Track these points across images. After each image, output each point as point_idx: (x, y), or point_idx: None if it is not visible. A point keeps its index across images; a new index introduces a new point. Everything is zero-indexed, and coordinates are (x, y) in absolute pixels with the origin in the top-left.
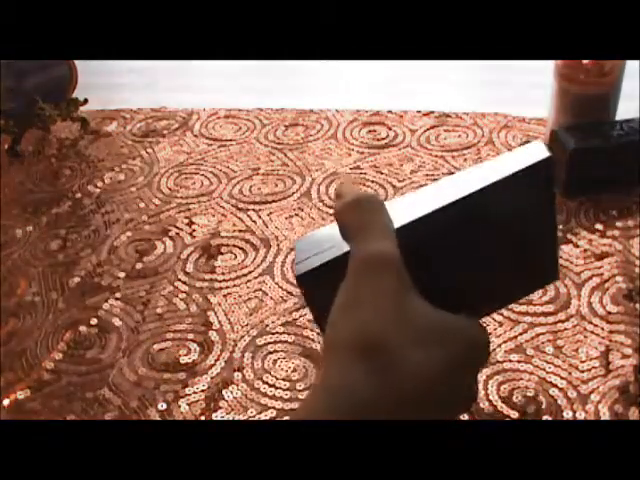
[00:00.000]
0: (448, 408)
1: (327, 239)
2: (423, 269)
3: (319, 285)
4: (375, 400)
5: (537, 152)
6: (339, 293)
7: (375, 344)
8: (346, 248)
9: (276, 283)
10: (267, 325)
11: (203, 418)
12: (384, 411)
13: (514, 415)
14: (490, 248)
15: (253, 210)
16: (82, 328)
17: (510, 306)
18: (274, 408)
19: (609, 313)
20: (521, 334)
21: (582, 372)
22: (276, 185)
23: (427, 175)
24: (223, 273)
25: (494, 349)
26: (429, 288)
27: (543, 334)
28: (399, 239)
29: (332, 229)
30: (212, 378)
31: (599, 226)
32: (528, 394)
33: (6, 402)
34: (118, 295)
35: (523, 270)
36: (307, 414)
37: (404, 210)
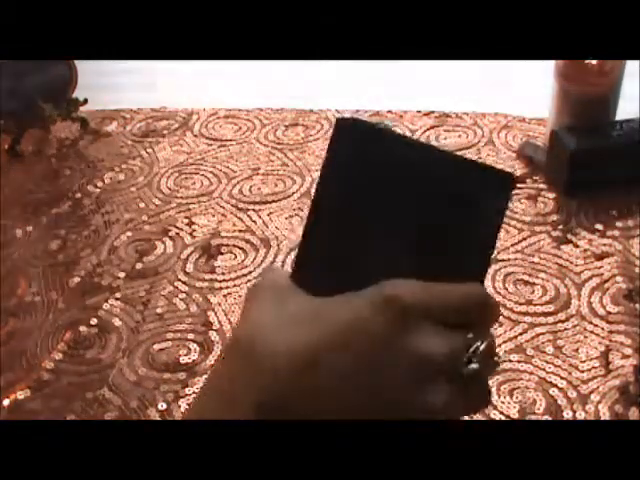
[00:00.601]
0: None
1: None
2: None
3: None
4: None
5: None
6: None
7: (239, 338)
8: None
9: None
10: None
11: None
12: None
13: (514, 415)
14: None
15: (253, 210)
16: (82, 328)
17: (510, 306)
18: None
19: (609, 313)
20: (521, 334)
21: (582, 372)
22: (276, 185)
23: None
24: (223, 273)
25: None
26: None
27: (543, 334)
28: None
29: None
30: None
31: (599, 226)
32: (528, 394)
33: (6, 402)
34: (118, 295)
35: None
36: (197, 415)
37: None
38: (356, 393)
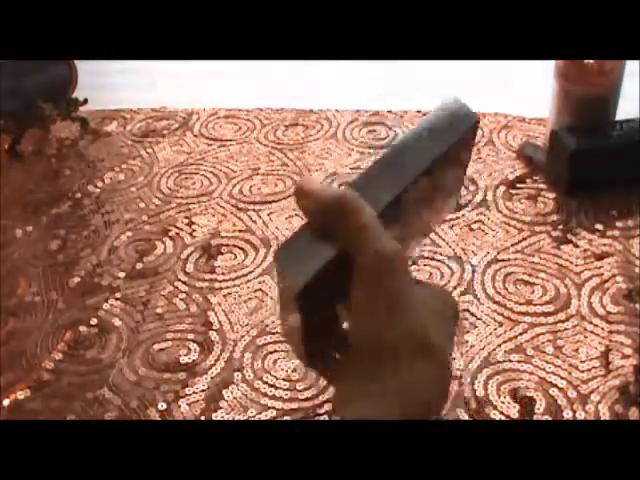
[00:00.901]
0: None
1: (302, 245)
2: None
3: (313, 296)
4: (436, 392)
5: (463, 114)
6: (361, 297)
7: (426, 342)
8: (329, 251)
9: (276, 283)
10: (267, 325)
11: (203, 418)
12: (436, 402)
13: (514, 415)
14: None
15: (253, 210)
16: (82, 328)
17: (510, 306)
18: (274, 408)
19: (609, 313)
20: (521, 334)
21: (582, 372)
22: (276, 185)
23: None
24: (223, 273)
25: (494, 349)
26: None
27: (543, 334)
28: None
29: (302, 234)
30: (212, 378)
31: (599, 226)
32: (528, 394)
33: (6, 402)
34: (118, 295)
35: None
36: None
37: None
38: None
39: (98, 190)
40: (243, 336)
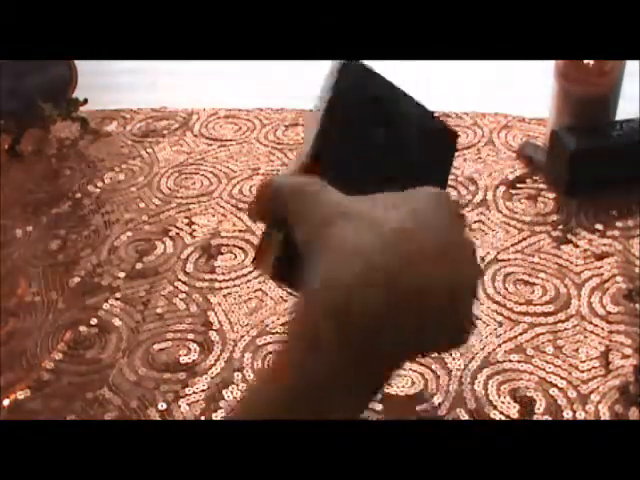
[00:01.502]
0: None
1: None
2: None
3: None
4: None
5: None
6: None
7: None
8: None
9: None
10: (267, 325)
11: (203, 418)
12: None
13: (514, 415)
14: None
15: None
16: (82, 328)
17: (510, 306)
18: None
19: (609, 313)
20: (521, 334)
21: (582, 372)
22: None
23: None
24: (223, 273)
25: (494, 349)
26: None
27: (543, 334)
28: None
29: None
30: (212, 378)
31: (599, 226)
32: (528, 394)
33: (6, 402)
34: (118, 295)
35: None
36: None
37: None
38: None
39: (98, 190)
40: (243, 336)
